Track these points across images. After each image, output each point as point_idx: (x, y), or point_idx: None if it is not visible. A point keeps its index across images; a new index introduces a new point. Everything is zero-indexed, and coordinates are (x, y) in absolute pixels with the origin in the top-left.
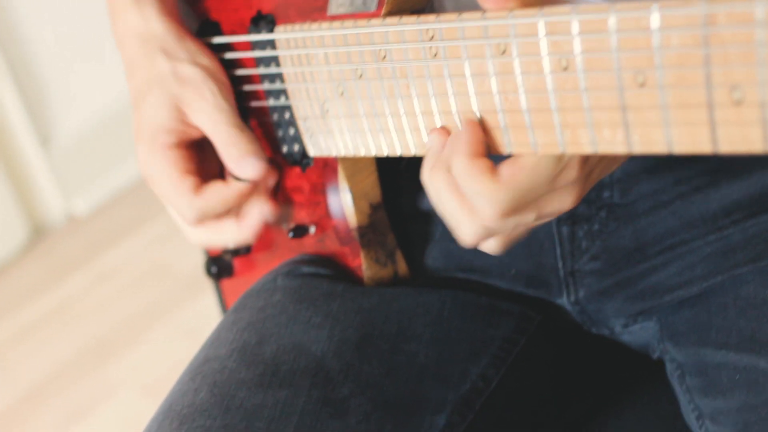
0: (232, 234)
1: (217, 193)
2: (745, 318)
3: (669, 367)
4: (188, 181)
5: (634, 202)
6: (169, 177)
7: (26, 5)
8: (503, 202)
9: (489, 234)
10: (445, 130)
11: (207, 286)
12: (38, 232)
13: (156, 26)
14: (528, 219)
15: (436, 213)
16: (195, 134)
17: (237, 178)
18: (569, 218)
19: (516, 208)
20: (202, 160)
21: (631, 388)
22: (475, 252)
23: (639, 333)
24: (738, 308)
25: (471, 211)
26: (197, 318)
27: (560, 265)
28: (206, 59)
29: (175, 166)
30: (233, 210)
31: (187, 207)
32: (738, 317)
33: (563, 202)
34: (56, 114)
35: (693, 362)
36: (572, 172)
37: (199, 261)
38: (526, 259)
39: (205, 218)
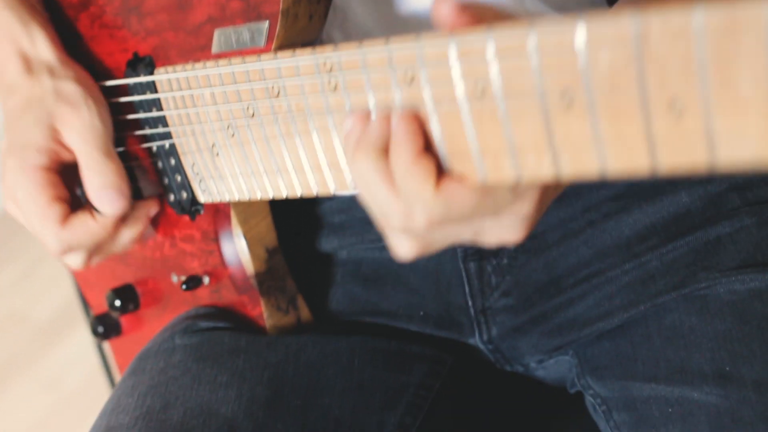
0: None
1: (83, 225)
2: (672, 348)
3: (592, 403)
4: (55, 210)
5: (543, 233)
6: (36, 202)
7: None
8: (439, 216)
9: (413, 235)
10: (364, 117)
11: (66, 333)
12: None
13: (44, 51)
14: (461, 236)
15: (336, 255)
16: (67, 157)
17: (98, 211)
18: (476, 253)
19: (450, 223)
20: (73, 187)
21: (551, 424)
22: (380, 295)
23: (554, 367)
24: (664, 338)
25: (402, 206)
26: (57, 369)
27: (470, 303)
28: (89, 81)
29: (43, 190)
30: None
31: (52, 238)
32: (665, 347)
33: (509, 234)
34: None
35: (619, 397)
36: (526, 206)
37: (57, 306)
38: (434, 299)
39: (70, 250)
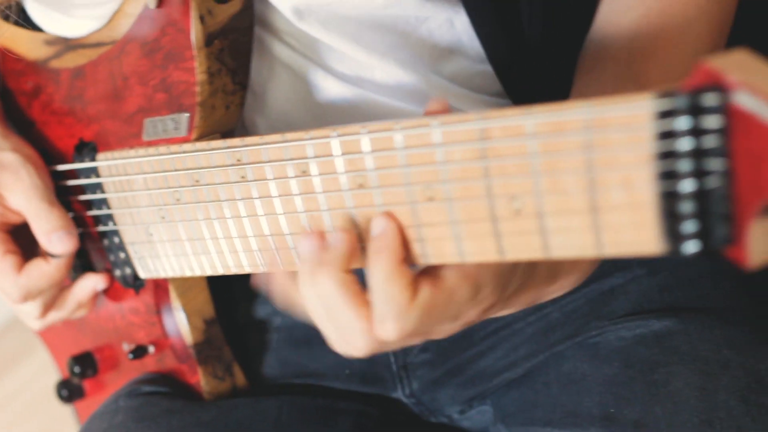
0: (68, 305)
1: (38, 269)
2: (566, 393)
3: None
4: (9, 260)
5: None
6: None
7: None
8: (412, 327)
9: (382, 347)
10: (321, 235)
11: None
12: None
13: None
14: (415, 340)
15: (270, 321)
16: (14, 219)
17: (52, 255)
18: None
19: (421, 331)
20: (25, 245)
21: None
22: (309, 356)
23: (476, 418)
24: (561, 384)
25: (366, 324)
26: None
27: (392, 360)
28: (27, 149)
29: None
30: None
31: (11, 286)
32: (560, 393)
33: (456, 327)
34: None
35: None
36: (488, 295)
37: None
38: (359, 359)
39: (30, 296)
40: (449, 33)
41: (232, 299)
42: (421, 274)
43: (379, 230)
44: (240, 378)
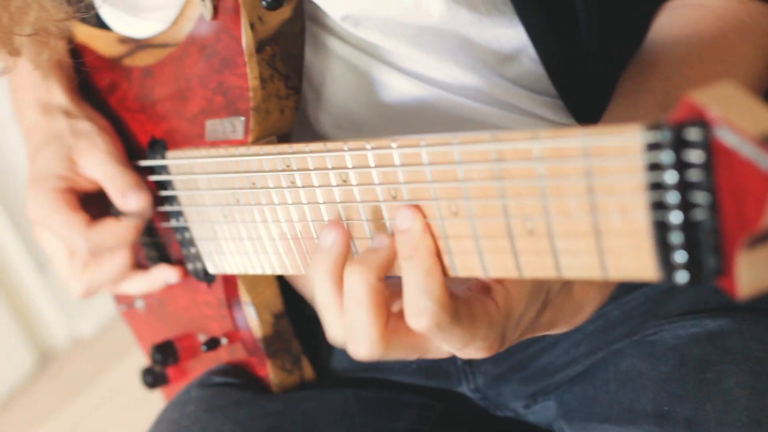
0: (137, 283)
1: (109, 227)
2: (624, 390)
3: None
4: (80, 216)
5: None
6: (60, 213)
7: (15, 132)
8: (448, 324)
9: (385, 356)
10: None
11: None
12: (45, 357)
13: (59, 98)
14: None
15: None
16: (84, 185)
17: (125, 214)
18: None
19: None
20: (94, 214)
21: None
22: None
23: (542, 413)
24: (618, 382)
25: (384, 332)
26: None
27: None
28: (100, 119)
29: (66, 204)
30: (128, 255)
31: (80, 238)
32: (618, 390)
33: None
34: None
35: None
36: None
37: None
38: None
39: (98, 251)
40: (514, 39)
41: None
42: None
43: (409, 223)
44: (308, 371)
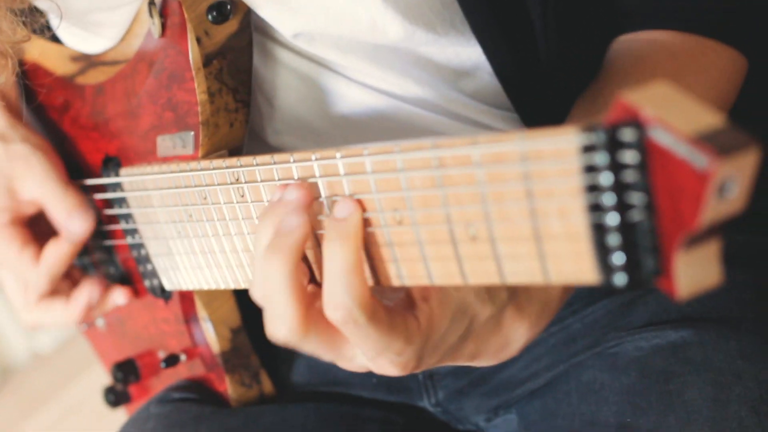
0: (61, 313)
1: (54, 250)
2: (585, 403)
3: None
4: (28, 253)
5: None
6: (10, 250)
7: None
8: (364, 325)
9: (300, 344)
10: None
11: None
12: (5, 373)
13: None
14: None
15: None
16: (29, 210)
17: (70, 235)
18: None
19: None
20: (37, 235)
21: None
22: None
23: (503, 426)
24: (580, 394)
25: (301, 316)
26: None
27: None
28: (35, 138)
29: (14, 239)
30: (64, 285)
31: (35, 276)
32: (580, 403)
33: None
34: None
35: None
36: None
37: None
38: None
39: (54, 281)
40: (471, 55)
41: (259, 308)
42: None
43: (346, 214)
44: (267, 385)
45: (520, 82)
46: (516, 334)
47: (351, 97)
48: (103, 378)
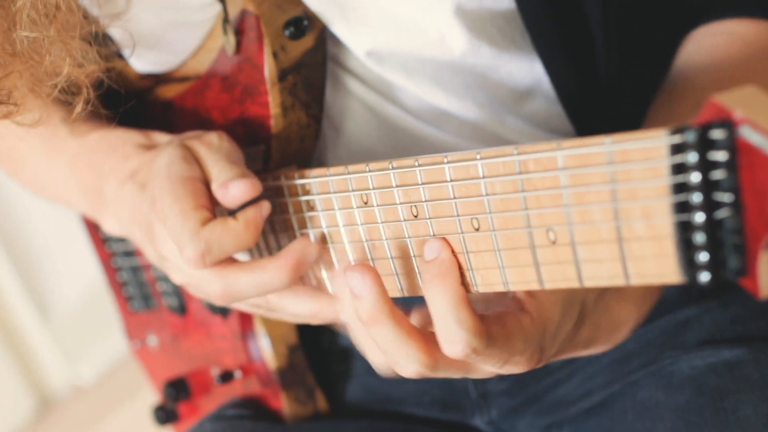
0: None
1: (224, 224)
2: (641, 421)
3: None
4: (198, 215)
5: None
6: (180, 206)
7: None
8: (482, 347)
9: (431, 373)
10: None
11: None
12: (45, 403)
13: (159, 137)
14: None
15: (354, 349)
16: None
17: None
18: None
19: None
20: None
21: None
22: (391, 383)
23: None
24: (635, 412)
25: (425, 349)
26: None
27: (471, 388)
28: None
29: (190, 198)
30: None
31: (189, 238)
32: (635, 421)
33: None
34: (52, 283)
35: None
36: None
37: None
38: (439, 385)
39: (208, 253)
40: (529, 75)
41: (317, 326)
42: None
43: (436, 254)
44: (322, 403)
45: (580, 100)
46: (624, 316)
47: (415, 126)
48: (143, 410)
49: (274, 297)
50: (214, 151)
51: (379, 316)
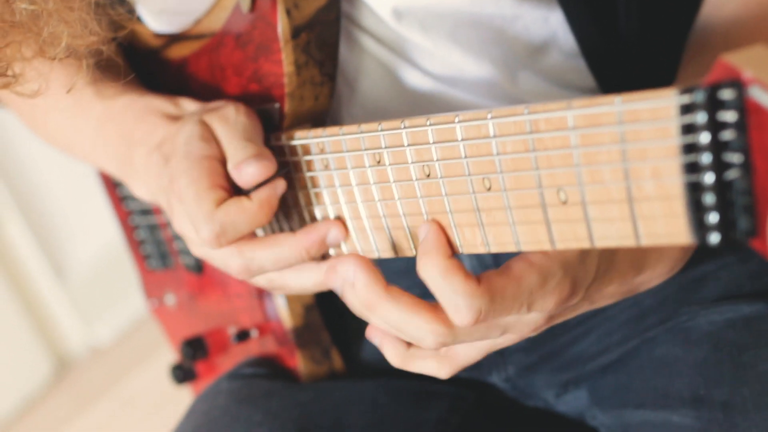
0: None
1: (239, 204)
2: (658, 377)
3: None
4: (214, 194)
5: None
6: (197, 186)
7: (32, 140)
8: (484, 306)
9: (456, 339)
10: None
11: None
12: (63, 365)
13: (187, 104)
14: (519, 327)
15: None
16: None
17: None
18: None
19: (495, 318)
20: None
21: None
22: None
23: (573, 402)
24: (653, 368)
25: (437, 320)
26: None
27: None
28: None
29: (207, 177)
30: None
31: (203, 218)
32: (653, 377)
33: (527, 329)
34: (68, 245)
35: (617, 424)
36: (560, 284)
37: None
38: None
39: (223, 234)
40: (544, 28)
41: None
42: (488, 270)
43: (424, 234)
44: (338, 362)
45: (601, 54)
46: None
47: (422, 86)
48: (161, 371)
49: (275, 274)
50: (230, 127)
51: (375, 300)
